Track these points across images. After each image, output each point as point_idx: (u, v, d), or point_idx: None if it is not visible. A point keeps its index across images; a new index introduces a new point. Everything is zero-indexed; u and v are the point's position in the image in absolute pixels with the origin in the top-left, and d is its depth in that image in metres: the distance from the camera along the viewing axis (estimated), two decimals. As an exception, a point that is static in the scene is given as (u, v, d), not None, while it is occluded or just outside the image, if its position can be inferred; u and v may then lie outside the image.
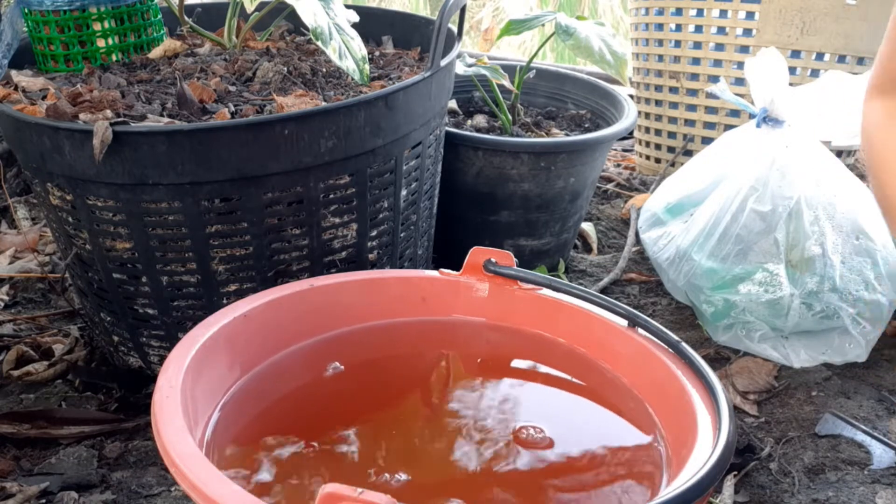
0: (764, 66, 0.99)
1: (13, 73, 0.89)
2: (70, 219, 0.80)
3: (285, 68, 0.90)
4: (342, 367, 0.61)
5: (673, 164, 1.54)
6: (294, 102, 0.80)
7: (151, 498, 0.76)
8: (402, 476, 0.51)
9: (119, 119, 0.73)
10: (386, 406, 0.60)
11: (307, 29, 0.81)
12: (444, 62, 0.86)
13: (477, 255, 0.66)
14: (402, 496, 0.39)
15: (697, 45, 1.48)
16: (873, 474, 0.81)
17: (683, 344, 0.56)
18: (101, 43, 0.92)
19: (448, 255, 1.09)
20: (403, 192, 0.87)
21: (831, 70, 1.06)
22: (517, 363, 0.63)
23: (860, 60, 1.42)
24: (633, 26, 1.64)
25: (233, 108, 0.81)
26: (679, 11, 1.48)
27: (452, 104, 1.35)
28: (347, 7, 0.93)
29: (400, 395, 0.60)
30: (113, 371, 0.93)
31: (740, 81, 1.41)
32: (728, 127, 1.41)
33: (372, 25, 1.05)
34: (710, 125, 1.51)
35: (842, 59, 1.41)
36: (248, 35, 1.03)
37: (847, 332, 0.96)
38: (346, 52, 0.83)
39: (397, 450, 0.55)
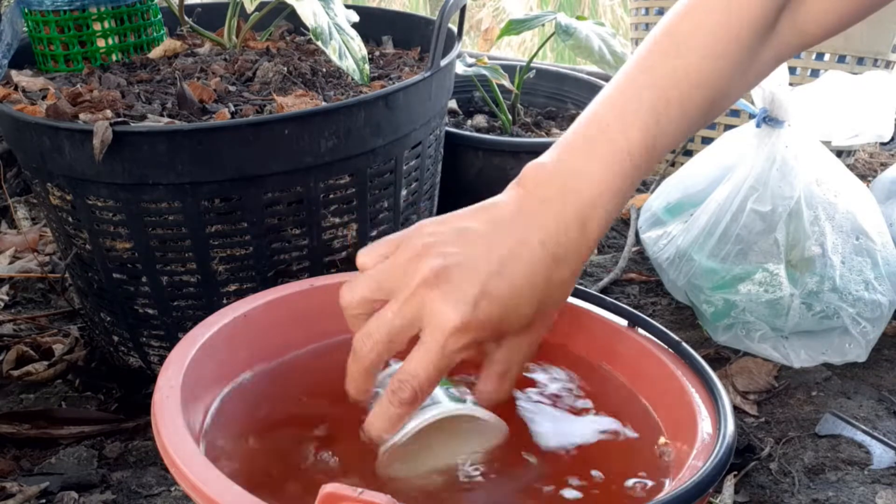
0: (764, 66, 0.98)
1: (13, 73, 0.89)
2: (70, 219, 0.80)
3: (285, 68, 0.90)
4: (344, 366, 0.60)
5: (673, 164, 1.54)
6: (294, 102, 0.80)
7: (151, 498, 0.76)
8: (401, 475, 0.51)
9: (119, 119, 0.73)
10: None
11: (307, 29, 0.81)
12: (444, 62, 0.86)
13: (477, 255, 0.66)
14: (399, 495, 0.40)
15: (697, 45, 1.47)
16: (873, 474, 0.81)
17: (684, 344, 0.56)
18: (101, 43, 0.92)
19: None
20: (403, 193, 0.87)
21: (831, 70, 1.06)
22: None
23: (860, 60, 1.42)
24: (633, 26, 1.64)
25: (233, 108, 0.81)
26: (679, 11, 1.48)
27: (452, 104, 1.35)
28: (347, 7, 0.93)
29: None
30: (113, 371, 0.93)
31: (740, 81, 1.41)
32: (728, 127, 1.41)
33: (372, 25, 1.05)
34: (710, 125, 1.51)
35: (842, 59, 1.41)
36: (248, 35, 1.03)
37: (847, 332, 0.96)
38: (346, 52, 0.83)
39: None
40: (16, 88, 0.85)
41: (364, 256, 0.50)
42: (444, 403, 0.50)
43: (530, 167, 0.51)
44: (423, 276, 0.46)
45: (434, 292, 0.45)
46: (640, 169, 0.50)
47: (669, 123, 0.50)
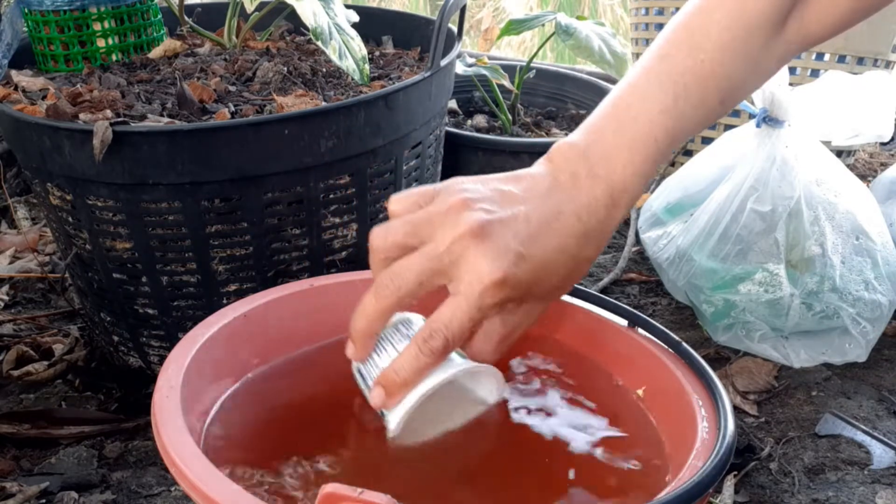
0: (764, 66, 0.98)
1: (13, 73, 0.89)
2: (70, 219, 0.80)
3: (285, 68, 0.90)
4: (344, 366, 0.61)
5: (673, 164, 1.54)
6: (294, 102, 0.80)
7: (151, 498, 0.76)
8: (402, 474, 0.51)
9: (119, 119, 0.73)
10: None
11: (307, 29, 0.81)
12: (444, 62, 0.86)
13: (477, 255, 0.66)
14: (401, 494, 0.40)
15: (697, 45, 1.47)
16: (873, 474, 0.81)
17: (684, 344, 0.56)
18: (101, 43, 0.92)
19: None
20: (403, 192, 0.86)
21: (831, 70, 1.06)
22: (516, 363, 0.63)
23: (860, 60, 1.42)
24: (633, 26, 1.64)
25: (233, 108, 0.81)
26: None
27: (452, 104, 1.36)
28: (347, 7, 0.93)
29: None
30: (113, 371, 0.93)
31: (740, 81, 1.41)
32: (728, 127, 1.40)
33: (372, 25, 1.05)
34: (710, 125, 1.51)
35: (842, 59, 1.41)
36: (248, 35, 1.03)
37: (847, 332, 0.96)
38: (346, 52, 0.83)
39: (397, 449, 0.55)
40: (16, 88, 0.85)
41: (397, 203, 0.49)
42: (457, 361, 0.50)
43: (560, 144, 0.51)
44: (468, 227, 0.45)
45: (475, 244, 0.45)
46: (663, 154, 0.52)
47: (687, 109, 0.52)
